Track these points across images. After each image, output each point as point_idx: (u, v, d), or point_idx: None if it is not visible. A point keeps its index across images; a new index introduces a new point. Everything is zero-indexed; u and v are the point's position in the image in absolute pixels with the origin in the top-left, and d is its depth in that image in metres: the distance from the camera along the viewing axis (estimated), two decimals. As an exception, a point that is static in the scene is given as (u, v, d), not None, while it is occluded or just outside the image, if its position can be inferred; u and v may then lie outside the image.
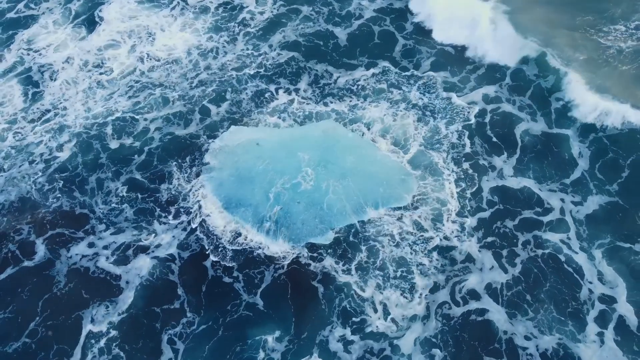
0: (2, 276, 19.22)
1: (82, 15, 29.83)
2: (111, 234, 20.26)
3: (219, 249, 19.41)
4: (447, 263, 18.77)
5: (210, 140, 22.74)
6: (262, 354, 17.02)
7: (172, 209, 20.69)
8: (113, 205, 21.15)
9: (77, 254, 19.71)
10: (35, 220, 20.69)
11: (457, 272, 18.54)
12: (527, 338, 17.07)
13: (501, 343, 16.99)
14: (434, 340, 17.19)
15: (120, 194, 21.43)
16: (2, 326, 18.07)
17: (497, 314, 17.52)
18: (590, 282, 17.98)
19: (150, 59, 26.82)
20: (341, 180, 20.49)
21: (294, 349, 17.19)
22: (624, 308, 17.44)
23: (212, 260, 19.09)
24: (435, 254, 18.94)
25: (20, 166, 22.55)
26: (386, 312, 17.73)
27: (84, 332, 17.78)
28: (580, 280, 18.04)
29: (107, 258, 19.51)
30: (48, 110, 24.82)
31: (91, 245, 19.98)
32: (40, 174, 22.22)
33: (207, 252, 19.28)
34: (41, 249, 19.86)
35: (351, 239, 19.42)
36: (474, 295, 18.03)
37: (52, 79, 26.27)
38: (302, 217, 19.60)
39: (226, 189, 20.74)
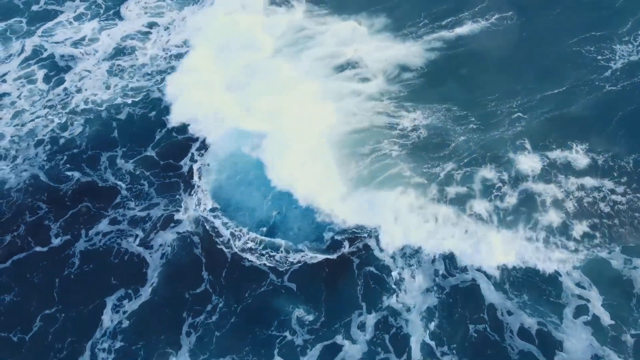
0: (22, 255, 20.55)
1: (109, 5, 31.22)
2: (135, 210, 21.55)
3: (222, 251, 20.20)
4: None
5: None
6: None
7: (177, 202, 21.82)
8: (126, 180, 22.51)
9: (97, 233, 20.95)
10: (52, 197, 22.05)
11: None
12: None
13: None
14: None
15: (134, 172, 22.68)
16: (23, 306, 19.24)
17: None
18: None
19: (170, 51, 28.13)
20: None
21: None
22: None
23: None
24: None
25: (29, 148, 23.94)
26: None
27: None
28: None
29: (134, 237, 20.84)
30: (70, 94, 26.20)
31: (113, 222, 21.24)
32: (57, 153, 23.65)
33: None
34: (58, 226, 21.18)
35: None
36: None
37: (74, 67, 27.52)
38: (298, 223, 20.25)
39: (225, 191, 21.36)
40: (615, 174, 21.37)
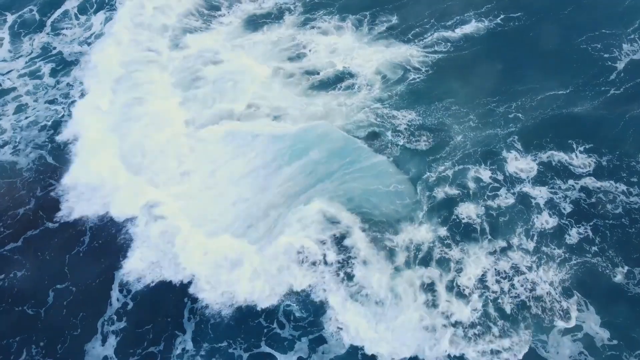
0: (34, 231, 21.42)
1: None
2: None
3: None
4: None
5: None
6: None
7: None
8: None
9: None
10: (61, 175, 22.85)
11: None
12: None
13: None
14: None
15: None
16: (35, 282, 20.03)
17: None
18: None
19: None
20: (336, 190, 20.93)
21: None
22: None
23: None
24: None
25: (32, 133, 24.88)
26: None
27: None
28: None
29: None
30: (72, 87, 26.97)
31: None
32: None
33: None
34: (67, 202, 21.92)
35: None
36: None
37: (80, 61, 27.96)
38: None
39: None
40: (622, 175, 21.37)
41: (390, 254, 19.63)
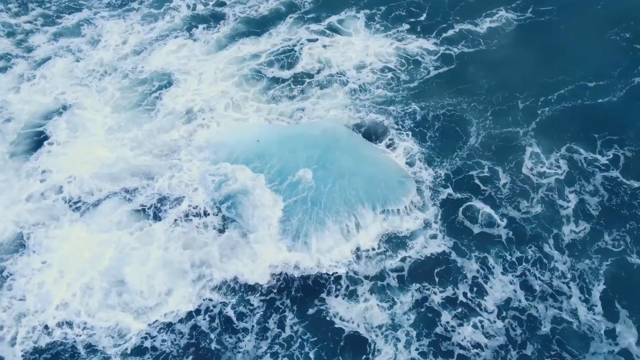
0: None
1: None
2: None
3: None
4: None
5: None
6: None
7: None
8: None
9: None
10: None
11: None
12: None
13: None
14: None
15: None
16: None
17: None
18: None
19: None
20: (339, 180, 20.42)
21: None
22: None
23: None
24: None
25: None
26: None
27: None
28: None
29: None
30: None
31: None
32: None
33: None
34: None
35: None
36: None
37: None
38: (299, 217, 19.68)
39: (223, 186, 20.95)
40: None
41: (393, 263, 18.44)
